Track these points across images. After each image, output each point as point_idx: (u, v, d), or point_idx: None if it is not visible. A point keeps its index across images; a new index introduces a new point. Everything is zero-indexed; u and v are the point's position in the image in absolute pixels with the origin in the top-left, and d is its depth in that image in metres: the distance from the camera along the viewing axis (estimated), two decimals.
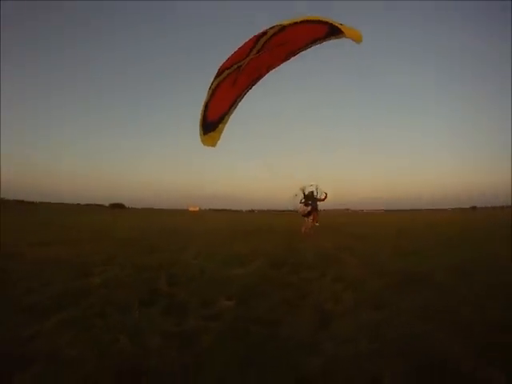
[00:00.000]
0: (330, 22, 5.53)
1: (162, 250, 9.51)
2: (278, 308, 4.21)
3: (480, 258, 8.12)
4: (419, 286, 5.21)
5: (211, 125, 7.40)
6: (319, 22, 5.67)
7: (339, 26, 5.46)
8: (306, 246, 11.04)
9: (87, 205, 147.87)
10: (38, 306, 4.23)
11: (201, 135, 7.40)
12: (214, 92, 6.82)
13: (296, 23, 5.64)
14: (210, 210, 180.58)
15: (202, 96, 6.81)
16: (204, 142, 7.52)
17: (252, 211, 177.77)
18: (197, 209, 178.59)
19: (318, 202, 14.95)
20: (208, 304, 4.35)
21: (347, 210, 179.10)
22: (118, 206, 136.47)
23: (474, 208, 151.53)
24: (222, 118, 7.47)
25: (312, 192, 14.65)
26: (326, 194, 14.60)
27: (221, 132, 7.58)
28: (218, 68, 6.36)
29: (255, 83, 7.26)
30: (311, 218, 15.12)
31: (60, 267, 6.70)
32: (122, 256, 8.33)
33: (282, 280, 5.77)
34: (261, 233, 17.68)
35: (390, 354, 2.96)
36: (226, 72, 6.50)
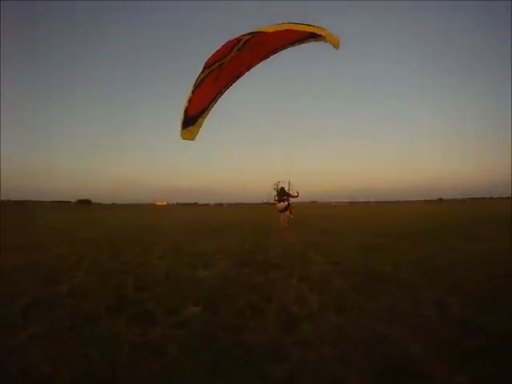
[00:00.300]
0: (311, 29, 6.10)
1: (127, 252, 9.40)
2: (244, 313, 4.24)
3: (443, 252, 8.48)
4: (383, 285, 5.38)
5: (191, 119, 7.85)
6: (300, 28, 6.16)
7: (319, 32, 6.10)
8: (273, 242, 11.17)
9: (53, 202, 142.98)
10: (6, 321, 4.11)
11: (180, 129, 7.92)
12: (196, 88, 7.19)
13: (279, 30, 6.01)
14: (177, 204, 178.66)
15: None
16: (182, 136, 8.10)
17: (221, 205, 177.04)
18: (164, 203, 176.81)
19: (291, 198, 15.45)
20: (175, 311, 4.34)
21: (314, 202, 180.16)
22: (84, 202, 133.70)
23: (440, 200, 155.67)
24: (201, 113, 8.00)
25: (283, 188, 15.29)
26: (298, 192, 15.19)
27: (199, 126, 8.27)
28: (203, 65, 6.68)
29: (235, 81, 7.82)
30: (287, 212, 16.11)
31: (27, 274, 6.53)
32: (88, 259, 8.17)
33: (248, 282, 5.82)
34: (228, 229, 17.71)
35: (355, 357, 3.04)
36: (208, 70, 6.84)
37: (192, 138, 8.30)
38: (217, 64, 6.81)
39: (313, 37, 6.46)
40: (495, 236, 11.70)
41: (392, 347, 3.22)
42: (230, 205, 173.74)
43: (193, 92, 7.28)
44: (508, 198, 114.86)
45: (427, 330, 3.63)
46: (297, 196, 15.43)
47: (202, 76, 6.97)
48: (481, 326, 3.67)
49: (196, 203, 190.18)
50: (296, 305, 4.51)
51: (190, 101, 7.45)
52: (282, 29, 5.93)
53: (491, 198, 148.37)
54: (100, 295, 5.11)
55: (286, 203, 15.58)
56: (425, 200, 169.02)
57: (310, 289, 5.25)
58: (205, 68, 6.79)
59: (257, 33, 6.10)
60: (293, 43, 6.92)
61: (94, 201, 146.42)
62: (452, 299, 4.61)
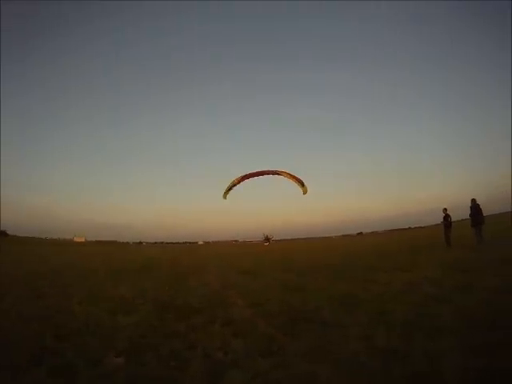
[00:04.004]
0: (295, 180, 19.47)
1: (47, 294, 8.95)
2: (168, 362, 4.14)
3: (365, 286, 8.85)
4: (308, 325, 5.49)
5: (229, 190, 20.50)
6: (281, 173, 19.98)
7: (295, 181, 19.30)
8: (192, 284, 11.03)
9: None
10: None
11: (224, 193, 20.04)
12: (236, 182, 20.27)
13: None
14: (96, 241, 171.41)
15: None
16: (223, 197, 20.05)
17: (140, 243, 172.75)
18: (83, 239, 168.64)
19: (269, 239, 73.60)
20: (97, 362, 4.15)
21: (236, 241, 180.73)
22: (0, 234, 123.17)
23: (359, 234, 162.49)
24: (231, 188, 20.41)
25: (267, 235, 74.60)
26: (272, 237, 64.14)
27: (227, 193, 20.37)
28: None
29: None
30: (267, 244, 63.22)
31: None
32: (7, 302, 7.72)
33: (170, 328, 5.69)
34: (148, 270, 17.38)
35: None
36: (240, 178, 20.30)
37: (225, 198, 20.35)
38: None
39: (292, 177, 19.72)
40: (417, 265, 12.49)
41: None
42: (149, 244, 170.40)
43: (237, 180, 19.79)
44: (425, 226, 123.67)
45: (355, 363, 3.79)
46: (271, 238, 71.43)
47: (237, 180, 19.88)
48: (408, 352, 3.93)
49: (115, 241, 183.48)
50: (221, 351, 4.51)
51: (233, 184, 19.80)
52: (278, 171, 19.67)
53: (409, 228, 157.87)
54: (21, 344, 4.80)
55: (267, 242, 68.78)
56: (342, 235, 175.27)
57: (233, 333, 5.25)
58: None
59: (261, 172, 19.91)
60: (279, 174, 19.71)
61: (10, 233, 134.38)
62: (377, 331, 4.85)
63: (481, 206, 18.60)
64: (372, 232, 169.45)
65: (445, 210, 20.43)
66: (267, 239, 76.83)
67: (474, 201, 18.68)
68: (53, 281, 12.11)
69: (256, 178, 19.84)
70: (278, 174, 19.37)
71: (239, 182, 19.65)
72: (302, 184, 19.22)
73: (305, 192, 19.35)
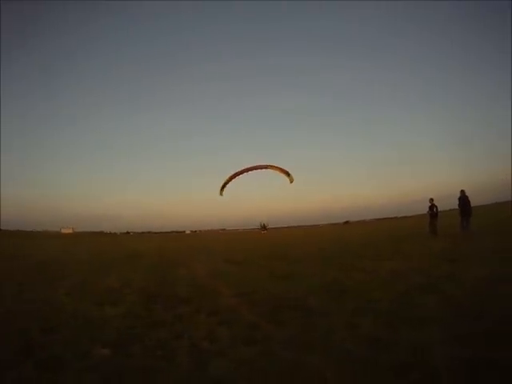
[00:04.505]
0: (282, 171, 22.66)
1: (33, 288, 8.85)
2: (154, 352, 4.15)
3: (351, 274, 8.95)
4: (293, 313, 5.53)
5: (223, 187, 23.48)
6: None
7: (282, 173, 22.34)
8: (179, 274, 11.07)
9: None
10: None
11: (219, 190, 23.09)
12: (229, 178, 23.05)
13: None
14: (83, 232, 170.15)
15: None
16: (219, 194, 22.94)
17: (127, 233, 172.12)
18: (70, 231, 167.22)
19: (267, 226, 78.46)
20: (84, 354, 4.14)
21: (223, 230, 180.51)
22: None
23: (346, 222, 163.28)
24: (225, 185, 23.27)
25: (264, 223, 75.59)
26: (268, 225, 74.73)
27: (223, 190, 23.32)
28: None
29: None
30: (265, 231, 73.31)
31: None
32: None
33: (156, 318, 5.70)
34: (135, 260, 17.46)
35: None
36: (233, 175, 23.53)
37: (221, 195, 22.94)
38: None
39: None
40: (403, 254, 12.67)
41: (306, 374, 3.34)
42: (136, 233, 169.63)
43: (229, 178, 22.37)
44: (410, 216, 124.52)
45: (341, 351, 3.82)
46: (267, 226, 78.45)
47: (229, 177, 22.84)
48: (393, 341, 3.96)
49: (102, 232, 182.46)
50: (206, 340, 4.52)
51: (227, 181, 22.55)
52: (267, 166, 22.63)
53: (396, 217, 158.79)
54: (7, 339, 4.78)
55: (265, 230, 75.08)
56: (329, 223, 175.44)
57: (219, 323, 5.28)
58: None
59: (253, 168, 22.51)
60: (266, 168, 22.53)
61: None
62: (363, 319, 4.90)
63: (469, 198, 18.83)
64: (359, 221, 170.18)
65: (431, 200, 20.67)
66: (264, 227, 79.38)
67: (462, 192, 18.81)
68: (40, 273, 12.05)
69: (246, 173, 22.96)
70: (266, 167, 22.25)
71: (232, 179, 22.35)
72: (287, 174, 22.04)
73: (291, 181, 22.17)
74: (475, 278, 7.21)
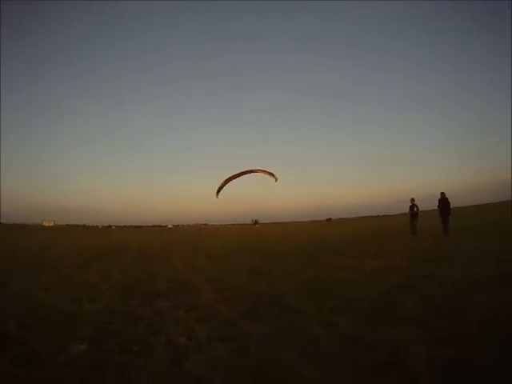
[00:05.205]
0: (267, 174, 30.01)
1: (11, 282, 8.79)
2: (131, 348, 4.13)
3: (331, 271, 9.02)
4: (271, 310, 5.55)
5: (219, 190, 31.19)
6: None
7: (267, 174, 28.74)
8: (159, 269, 11.01)
9: None
10: None
11: (215, 193, 30.67)
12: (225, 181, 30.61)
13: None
14: (65, 225, 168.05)
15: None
16: (216, 196, 30.98)
17: (109, 227, 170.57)
18: (52, 224, 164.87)
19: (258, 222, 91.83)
20: (61, 350, 4.09)
21: (205, 225, 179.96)
22: None
23: (329, 220, 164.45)
24: (221, 189, 30.49)
25: (256, 219, 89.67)
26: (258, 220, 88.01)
27: (218, 192, 30.75)
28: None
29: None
30: (257, 226, 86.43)
31: None
32: None
33: (134, 314, 5.68)
34: (115, 254, 17.35)
35: None
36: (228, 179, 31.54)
37: (217, 197, 29.99)
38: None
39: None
40: (384, 253, 12.80)
41: (282, 372, 3.33)
42: (118, 227, 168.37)
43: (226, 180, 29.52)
44: (392, 215, 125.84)
45: (317, 350, 3.83)
46: (258, 220, 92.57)
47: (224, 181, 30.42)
48: (372, 340, 3.99)
49: (84, 225, 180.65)
50: (184, 336, 4.51)
51: (222, 185, 29.62)
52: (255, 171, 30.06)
53: (378, 216, 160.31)
54: None
55: (257, 224, 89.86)
56: (312, 220, 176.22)
57: (197, 319, 5.27)
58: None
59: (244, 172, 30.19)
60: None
61: None
62: (341, 318, 4.92)
63: (449, 200, 19.61)
64: (341, 218, 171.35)
65: (412, 200, 21.22)
66: (256, 222, 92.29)
67: (443, 194, 19.64)
68: (18, 267, 11.89)
69: (239, 177, 28.54)
70: (254, 171, 26.58)
71: (225, 184, 26.65)
72: (272, 175, 26.50)
73: (276, 180, 26.92)
74: (453, 278, 7.28)
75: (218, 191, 26.08)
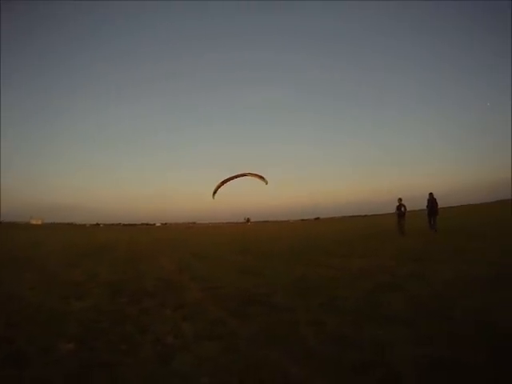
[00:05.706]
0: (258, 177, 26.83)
1: None
2: (119, 347, 4.13)
3: (318, 271, 9.02)
4: (259, 308, 5.56)
5: (215, 192, 27.42)
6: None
7: (258, 178, 26.53)
8: (146, 268, 11.00)
9: None
10: None
11: (212, 194, 27.01)
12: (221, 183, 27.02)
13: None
14: (53, 223, 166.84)
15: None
16: (213, 197, 27.38)
17: (97, 225, 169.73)
18: (40, 222, 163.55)
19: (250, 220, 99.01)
20: (48, 349, 4.08)
21: (194, 223, 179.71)
22: None
23: (317, 219, 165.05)
24: (216, 190, 27.06)
25: (248, 218, 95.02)
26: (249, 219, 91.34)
27: (214, 193, 27.06)
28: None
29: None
30: (250, 223, 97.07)
31: None
32: None
33: (121, 313, 5.67)
34: (103, 253, 17.35)
35: None
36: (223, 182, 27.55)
37: (213, 198, 27.12)
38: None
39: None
40: (371, 252, 12.86)
41: (269, 371, 3.35)
42: (106, 225, 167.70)
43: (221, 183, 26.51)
44: (380, 214, 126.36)
45: (305, 348, 3.86)
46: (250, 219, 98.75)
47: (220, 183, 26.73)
48: (358, 339, 4.01)
49: (72, 223, 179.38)
50: (171, 335, 4.52)
51: (218, 187, 26.51)
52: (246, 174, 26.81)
53: (366, 215, 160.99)
54: None
55: (249, 222, 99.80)
56: (300, 219, 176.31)
57: (184, 317, 5.27)
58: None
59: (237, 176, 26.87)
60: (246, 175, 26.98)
61: None
62: (328, 317, 4.94)
63: (437, 200, 20.25)
64: (329, 218, 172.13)
65: (399, 199, 21.44)
66: (248, 220, 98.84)
67: (431, 194, 20.40)
68: (4, 266, 11.82)
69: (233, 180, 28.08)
70: (245, 175, 27.27)
71: (219, 187, 26.98)
72: (262, 178, 27.07)
73: (266, 183, 27.42)
74: (440, 277, 7.32)
75: (214, 192, 27.42)
